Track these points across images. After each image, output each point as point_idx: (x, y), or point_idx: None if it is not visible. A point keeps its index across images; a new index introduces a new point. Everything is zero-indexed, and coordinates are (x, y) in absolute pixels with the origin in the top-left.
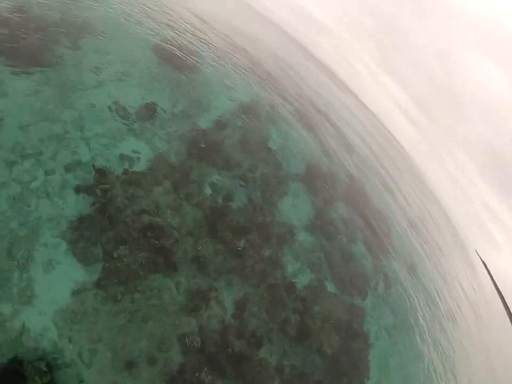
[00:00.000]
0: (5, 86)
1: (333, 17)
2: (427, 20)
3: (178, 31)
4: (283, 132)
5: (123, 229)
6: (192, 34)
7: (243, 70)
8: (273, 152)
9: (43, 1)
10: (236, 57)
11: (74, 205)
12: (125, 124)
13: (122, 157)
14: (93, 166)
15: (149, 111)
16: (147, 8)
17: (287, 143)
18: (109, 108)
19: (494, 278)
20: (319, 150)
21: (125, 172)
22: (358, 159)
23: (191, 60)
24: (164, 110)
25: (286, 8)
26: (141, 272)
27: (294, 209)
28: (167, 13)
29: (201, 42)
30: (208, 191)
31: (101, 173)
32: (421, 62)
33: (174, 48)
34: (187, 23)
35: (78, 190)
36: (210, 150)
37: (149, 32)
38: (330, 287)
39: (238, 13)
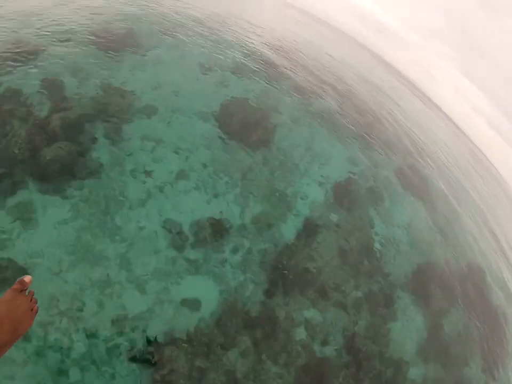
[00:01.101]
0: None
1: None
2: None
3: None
4: (386, 214)
5: None
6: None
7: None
8: (377, 255)
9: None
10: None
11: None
12: (182, 253)
13: (183, 303)
14: (144, 329)
15: (213, 229)
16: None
17: (392, 232)
18: (159, 231)
19: None
20: (432, 234)
21: (190, 335)
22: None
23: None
24: (231, 224)
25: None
26: None
27: (403, 337)
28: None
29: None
30: (299, 336)
31: (157, 344)
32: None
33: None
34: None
35: (130, 358)
36: (298, 276)
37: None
38: None
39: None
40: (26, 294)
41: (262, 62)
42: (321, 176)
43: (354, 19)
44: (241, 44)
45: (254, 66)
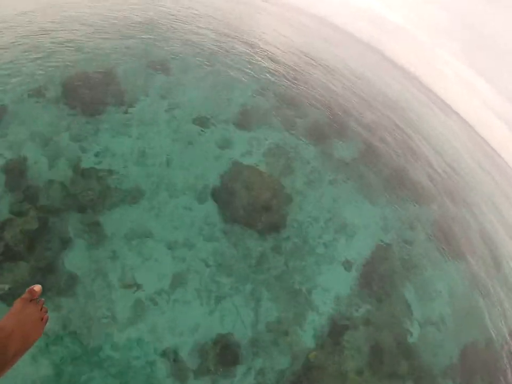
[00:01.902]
0: None
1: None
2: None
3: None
4: (424, 290)
5: None
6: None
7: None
8: (416, 350)
9: None
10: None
11: None
12: None
13: None
14: None
15: (219, 353)
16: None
17: (432, 312)
18: (155, 359)
19: None
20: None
21: None
22: None
23: (275, 197)
24: (240, 341)
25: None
26: None
27: None
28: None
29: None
30: None
31: None
32: None
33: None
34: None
35: None
36: None
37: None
38: None
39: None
40: (37, 303)
41: (273, 98)
42: (346, 255)
43: (365, 23)
44: (248, 81)
45: (262, 109)
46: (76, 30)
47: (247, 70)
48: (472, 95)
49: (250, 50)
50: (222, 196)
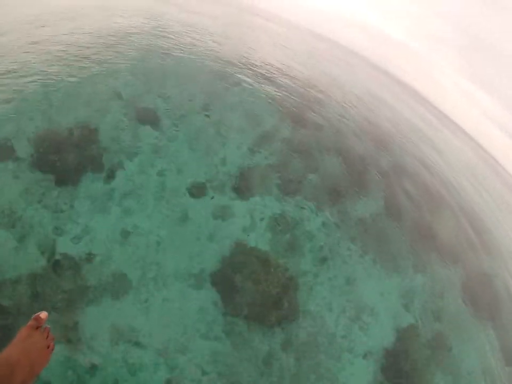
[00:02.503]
0: None
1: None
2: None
3: None
4: (453, 369)
5: None
6: None
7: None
8: None
9: None
10: None
11: None
12: None
13: None
14: None
15: None
16: None
17: None
18: None
19: None
20: None
21: None
22: None
23: (282, 285)
24: None
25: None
26: None
27: None
28: None
29: None
30: None
31: None
32: None
33: None
34: None
35: None
36: None
37: None
38: None
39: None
40: (42, 330)
41: (279, 147)
42: (366, 346)
43: (364, 37)
44: (250, 129)
45: (265, 167)
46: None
47: (249, 115)
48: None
49: (251, 87)
50: (221, 284)
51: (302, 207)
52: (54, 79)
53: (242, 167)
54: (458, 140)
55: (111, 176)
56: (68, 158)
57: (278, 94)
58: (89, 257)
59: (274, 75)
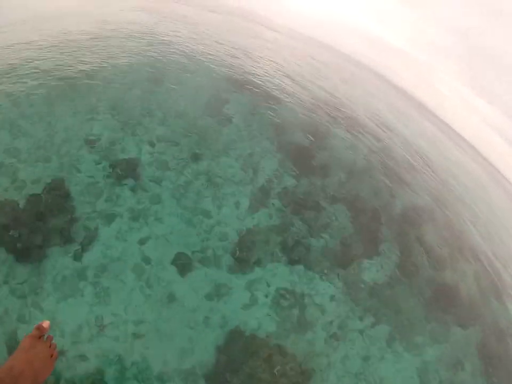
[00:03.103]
0: None
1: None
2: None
3: None
4: None
5: None
6: None
7: None
8: None
9: None
10: None
11: None
12: None
13: None
14: None
15: None
16: None
17: None
18: None
19: None
20: None
21: None
22: None
23: None
24: None
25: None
26: None
27: None
28: None
29: None
30: None
31: None
32: None
33: None
34: None
35: None
36: None
37: None
38: None
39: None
40: (45, 339)
41: (285, 200)
42: None
43: (367, 47)
44: (249, 179)
45: (269, 227)
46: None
47: (246, 159)
48: None
49: (244, 124)
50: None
51: (310, 276)
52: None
53: (240, 231)
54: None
55: (83, 248)
56: (32, 230)
57: (277, 130)
58: (58, 353)
59: (272, 104)
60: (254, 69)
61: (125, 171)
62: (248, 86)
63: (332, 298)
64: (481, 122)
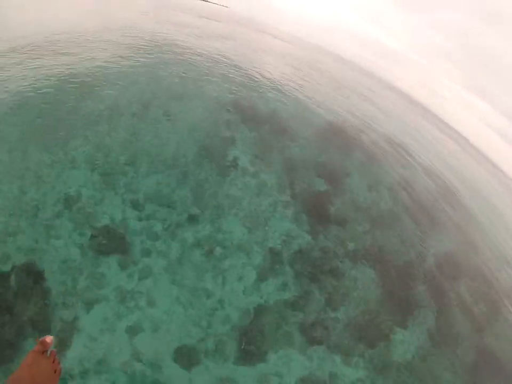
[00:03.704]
0: None
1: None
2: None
3: None
4: None
5: None
6: None
7: None
8: None
9: None
10: None
11: None
12: None
13: None
14: None
15: None
16: None
17: None
18: None
19: None
20: None
21: None
22: None
23: None
24: None
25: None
26: None
27: None
28: None
29: None
30: None
31: None
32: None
33: None
34: None
35: None
36: None
37: None
38: None
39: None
40: (48, 354)
41: (295, 269)
42: None
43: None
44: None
45: (278, 300)
46: None
47: (252, 216)
48: None
49: (250, 167)
50: None
51: (332, 359)
52: None
53: (247, 311)
54: None
55: (60, 344)
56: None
57: (288, 174)
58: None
59: (283, 139)
60: (261, 90)
61: (108, 241)
62: (256, 116)
63: (359, 382)
64: None
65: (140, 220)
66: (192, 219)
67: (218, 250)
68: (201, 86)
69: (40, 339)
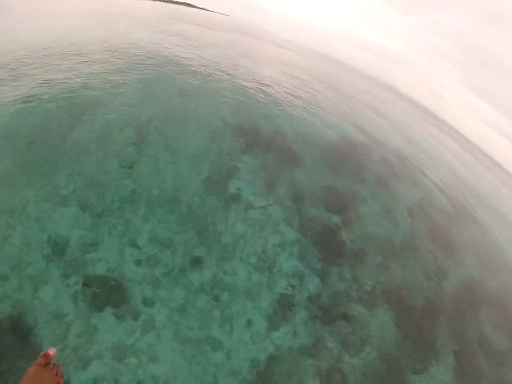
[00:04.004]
0: None
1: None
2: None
3: None
4: None
5: None
6: None
7: None
8: None
9: None
10: None
11: None
12: None
13: None
14: None
15: None
16: None
17: None
18: None
19: None
20: None
21: None
22: None
23: None
24: None
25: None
26: None
27: None
28: None
29: None
30: None
31: None
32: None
33: None
34: None
35: None
36: None
37: None
38: None
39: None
40: (51, 367)
41: (306, 312)
42: None
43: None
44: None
45: (291, 347)
46: None
47: (260, 257)
48: None
49: (254, 198)
50: None
51: None
52: None
53: (257, 361)
54: None
55: None
56: None
57: (297, 208)
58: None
59: (289, 165)
60: (264, 107)
61: (102, 290)
62: (259, 139)
63: None
64: None
65: (138, 264)
66: (196, 261)
67: (224, 295)
68: (201, 106)
69: (43, 352)
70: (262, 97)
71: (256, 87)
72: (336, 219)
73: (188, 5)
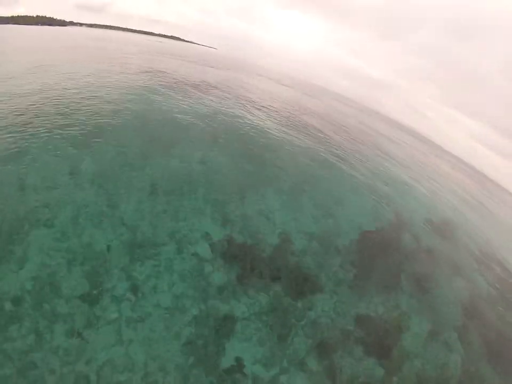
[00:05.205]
0: None
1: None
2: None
3: None
4: None
5: None
6: None
7: None
8: None
9: None
10: None
11: None
12: None
13: None
14: None
15: None
16: None
17: None
18: None
19: None
20: None
21: None
22: None
23: None
24: None
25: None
26: None
27: None
28: None
29: None
30: None
31: None
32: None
33: None
34: None
35: None
36: None
37: None
38: None
39: None
40: None
41: None
42: None
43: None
44: None
45: None
46: None
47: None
48: None
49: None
50: None
51: None
52: None
53: None
54: None
55: None
56: None
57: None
58: None
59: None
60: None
61: None
62: (258, 261)
63: None
64: None
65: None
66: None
67: None
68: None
69: None
70: (254, 173)
71: (245, 160)
72: (374, 364)
73: (177, 38)
